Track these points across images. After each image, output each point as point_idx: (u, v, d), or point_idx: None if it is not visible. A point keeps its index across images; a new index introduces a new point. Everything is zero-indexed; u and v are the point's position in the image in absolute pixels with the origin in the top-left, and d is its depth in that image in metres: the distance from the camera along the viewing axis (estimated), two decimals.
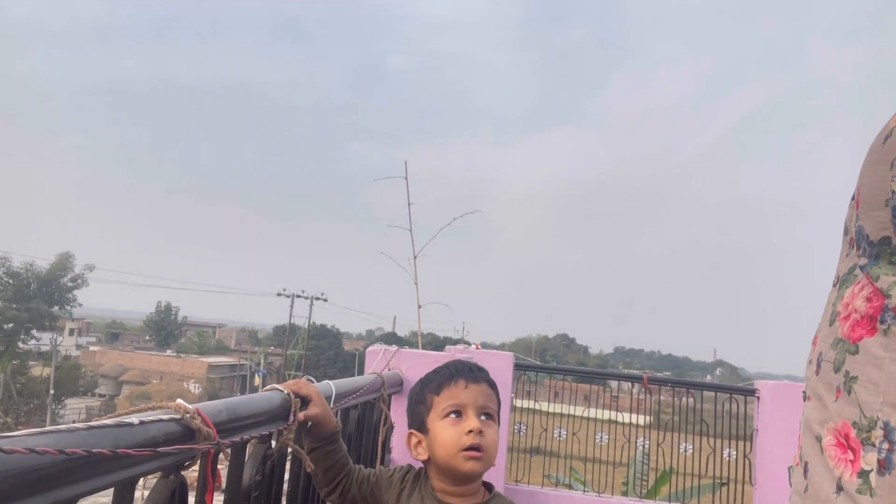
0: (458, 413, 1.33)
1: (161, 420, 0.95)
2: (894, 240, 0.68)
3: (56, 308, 40.06)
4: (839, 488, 0.69)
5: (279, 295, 46.90)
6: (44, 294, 38.82)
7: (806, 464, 0.76)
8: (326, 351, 58.99)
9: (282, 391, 1.39)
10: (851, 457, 0.68)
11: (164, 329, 69.59)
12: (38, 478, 0.68)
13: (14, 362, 36.44)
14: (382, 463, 2.34)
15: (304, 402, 1.41)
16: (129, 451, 0.80)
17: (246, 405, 1.24)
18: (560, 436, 5.70)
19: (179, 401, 1.04)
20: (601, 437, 5.73)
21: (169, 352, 59.09)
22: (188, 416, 1.00)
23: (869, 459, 0.66)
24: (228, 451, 1.12)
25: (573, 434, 5.68)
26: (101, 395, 45.97)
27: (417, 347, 4.75)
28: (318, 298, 47.98)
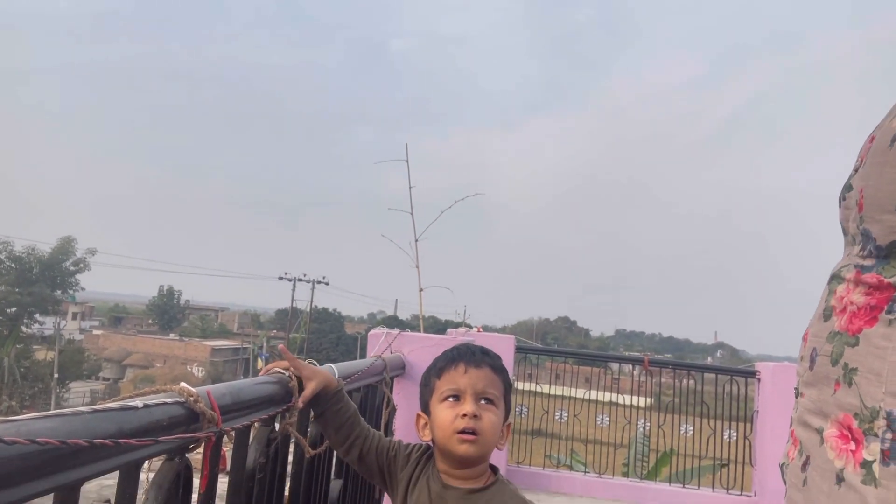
0: (457, 397, 1.34)
1: (165, 403, 0.95)
2: None
3: (59, 292, 40.19)
4: (840, 480, 0.69)
5: (281, 279, 46.98)
6: (46, 278, 38.91)
7: (807, 458, 0.76)
8: (328, 334, 59.21)
9: (283, 373, 1.40)
10: (853, 447, 0.68)
11: (167, 313, 69.82)
12: (42, 462, 0.69)
13: (18, 346, 36.65)
14: None
15: (300, 382, 1.43)
16: (130, 440, 0.80)
17: (249, 389, 1.25)
18: (561, 418, 5.74)
19: (183, 384, 1.04)
20: (602, 419, 5.76)
21: (172, 335, 59.32)
22: (192, 399, 1.01)
23: (872, 450, 0.66)
24: (232, 433, 1.13)
25: (574, 416, 5.71)
26: (105, 379, 46.23)
27: (419, 331, 4.77)
28: (319, 282, 48.09)
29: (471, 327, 5.65)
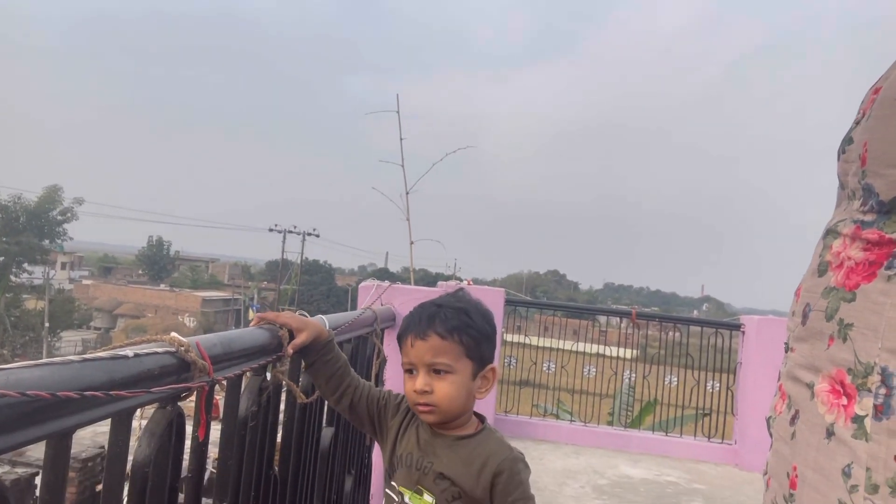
0: (411, 370, 1.34)
1: (156, 353, 0.96)
2: None
3: (46, 241, 39.88)
4: (830, 434, 0.70)
5: (271, 230, 46.79)
6: (33, 227, 38.55)
7: (796, 412, 0.77)
8: (319, 286, 59.43)
9: (273, 326, 1.41)
10: (845, 402, 0.69)
11: (157, 263, 69.63)
12: (34, 410, 0.69)
13: (7, 295, 36.57)
14: None
15: (291, 333, 1.43)
16: (121, 392, 0.80)
17: (240, 339, 1.25)
18: (549, 369, 5.84)
19: (174, 334, 1.04)
20: (588, 370, 5.87)
21: (162, 286, 59.31)
22: (183, 349, 1.01)
23: (864, 405, 0.67)
24: (224, 382, 1.14)
25: (561, 367, 5.81)
26: (96, 329, 46.43)
27: (410, 283, 4.79)
28: (310, 234, 47.96)
29: (461, 280, 5.68)
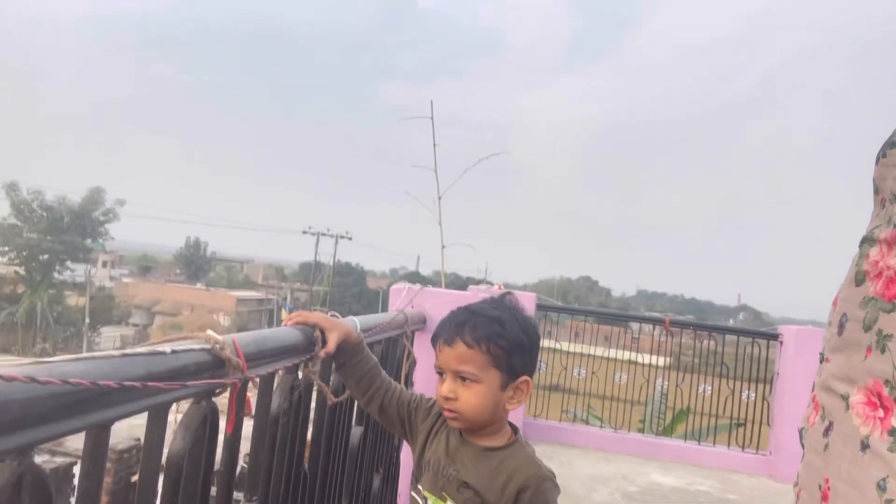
0: (441, 374, 1.34)
1: (192, 350, 0.98)
2: None
3: (89, 241, 41.08)
4: (865, 446, 0.69)
5: (304, 233, 47.37)
6: (77, 227, 39.74)
7: (830, 423, 0.75)
8: (351, 288, 59.92)
9: (307, 326, 1.43)
10: (882, 414, 0.68)
11: (194, 263, 71.13)
12: (75, 401, 0.72)
13: (51, 292, 37.75)
14: None
15: (323, 333, 1.45)
16: (159, 384, 0.83)
17: (273, 338, 1.28)
18: (579, 374, 5.79)
19: (210, 331, 1.07)
20: (620, 377, 5.80)
21: (199, 285, 60.54)
22: (218, 346, 1.04)
23: None
24: (257, 380, 1.16)
25: (592, 373, 5.75)
26: (134, 325, 47.55)
27: (440, 287, 4.81)
28: (342, 237, 48.39)
29: (492, 284, 5.67)
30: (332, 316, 1.51)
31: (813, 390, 0.83)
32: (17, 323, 36.13)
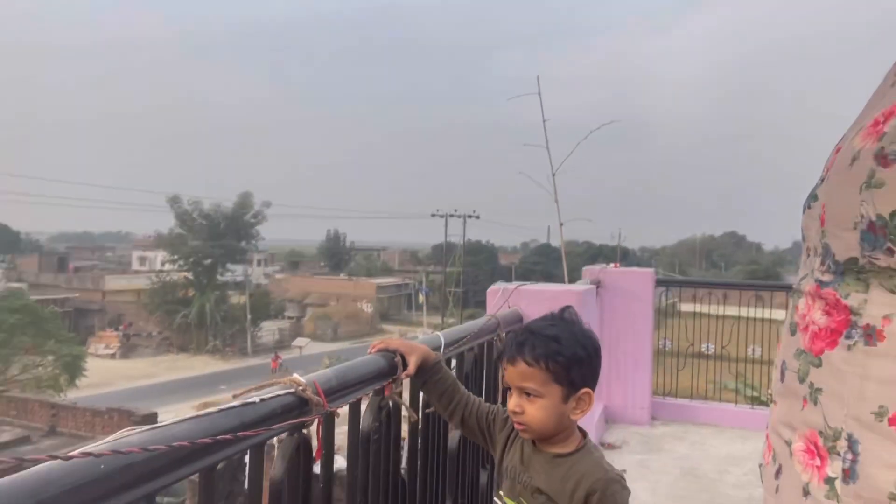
0: (509, 389, 1.46)
1: (278, 395, 1.20)
2: (861, 260, 0.68)
3: (243, 243, 45.06)
4: (806, 492, 0.73)
5: (433, 216, 48.61)
6: (232, 231, 43.73)
7: (780, 466, 0.79)
8: (483, 266, 60.69)
9: (388, 352, 1.62)
10: (819, 463, 0.71)
11: (336, 255, 75.70)
12: (182, 457, 0.94)
13: (215, 293, 41.94)
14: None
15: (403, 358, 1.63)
16: (246, 432, 1.04)
17: (354, 369, 1.48)
18: (708, 349, 5.60)
19: (295, 376, 1.28)
20: (753, 350, 5.53)
21: (342, 275, 64.34)
22: (300, 388, 1.24)
23: (835, 467, 0.70)
24: (338, 412, 1.36)
25: (722, 348, 5.55)
26: (289, 318, 51.59)
27: (563, 263, 4.89)
28: (470, 216, 49.07)
29: (608, 264, 5.63)
30: (408, 341, 1.69)
31: (767, 429, 0.87)
32: (190, 324, 40.60)
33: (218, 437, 0.98)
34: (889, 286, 0.65)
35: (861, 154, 0.68)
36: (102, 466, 0.81)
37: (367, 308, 52.19)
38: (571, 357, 1.43)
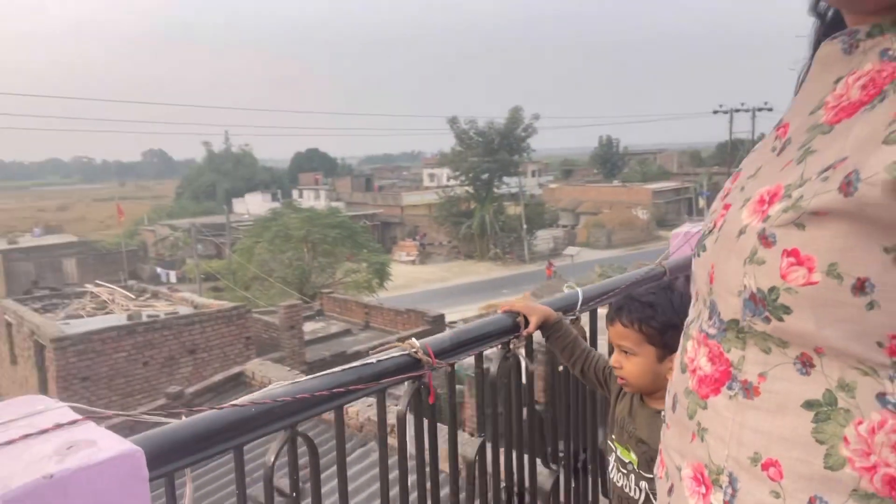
0: (612, 346, 1.65)
1: (393, 357, 1.60)
2: (742, 323, 0.73)
3: (516, 156, 46.83)
4: None
5: (716, 112, 44.22)
6: (505, 145, 45.67)
7: (672, 485, 0.85)
8: None
9: (513, 312, 1.91)
10: (704, 491, 0.78)
11: (609, 161, 74.09)
12: (316, 401, 1.40)
13: (493, 205, 44.79)
14: None
15: (526, 318, 1.91)
16: (359, 386, 1.46)
17: (471, 331, 1.82)
18: None
19: (412, 339, 1.67)
20: None
21: (615, 182, 63.02)
22: (413, 350, 1.63)
23: (717, 497, 0.76)
24: (447, 369, 1.73)
25: None
26: (563, 226, 52.78)
27: None
28: (761, 109, 43.50)
29: None
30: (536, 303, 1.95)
31: (660, 446, 0.91)
32: (473, 234, 44.32)
33: (334, 390, 1.43)
34: (763, 347, 0.71)
35: (747, 230, 0.71)
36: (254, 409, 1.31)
37: (643, 214, 50.65)
38: (666, 322, 1.59)
